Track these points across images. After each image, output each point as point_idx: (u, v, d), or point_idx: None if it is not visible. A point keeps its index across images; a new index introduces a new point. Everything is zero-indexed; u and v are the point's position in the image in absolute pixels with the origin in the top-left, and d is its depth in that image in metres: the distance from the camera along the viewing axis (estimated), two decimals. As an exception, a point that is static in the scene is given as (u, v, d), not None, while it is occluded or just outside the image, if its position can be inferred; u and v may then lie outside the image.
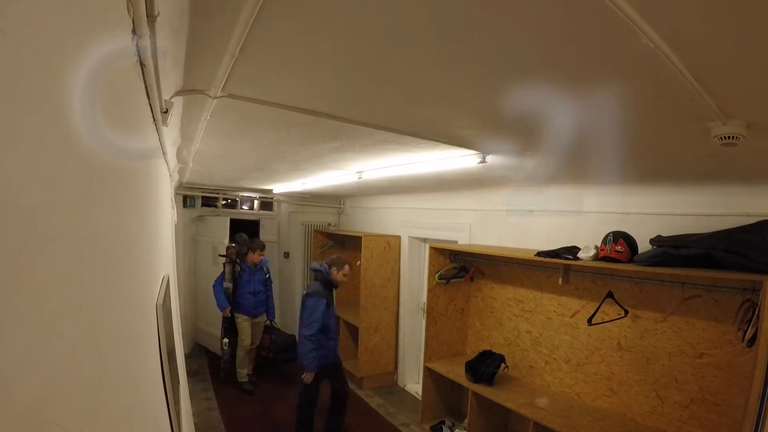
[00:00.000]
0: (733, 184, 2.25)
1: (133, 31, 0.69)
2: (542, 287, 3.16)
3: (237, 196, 5.68)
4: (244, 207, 5.88)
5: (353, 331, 4.94)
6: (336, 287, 3.47)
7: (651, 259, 2.23)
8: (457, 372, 3.34)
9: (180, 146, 2.27)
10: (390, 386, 4.76)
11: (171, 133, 1.74)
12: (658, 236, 2.35)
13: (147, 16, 0.67)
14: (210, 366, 4.96)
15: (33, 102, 0.33)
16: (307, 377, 3.20)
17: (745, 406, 1.71)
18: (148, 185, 1.27)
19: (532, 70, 1.00)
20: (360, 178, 3.12)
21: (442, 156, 2.21)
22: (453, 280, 3.64)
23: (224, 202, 5.67)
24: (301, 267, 6.06)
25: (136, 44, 0.73)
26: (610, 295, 2.57)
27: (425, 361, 3.65)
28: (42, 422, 0.35)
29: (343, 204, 6.28)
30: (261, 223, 5.87)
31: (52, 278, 0.38)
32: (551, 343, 3.10)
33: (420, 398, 3.90)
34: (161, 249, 1.85)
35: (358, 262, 4.64)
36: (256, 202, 5.90)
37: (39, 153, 0.35)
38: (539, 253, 2.80)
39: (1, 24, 0.27)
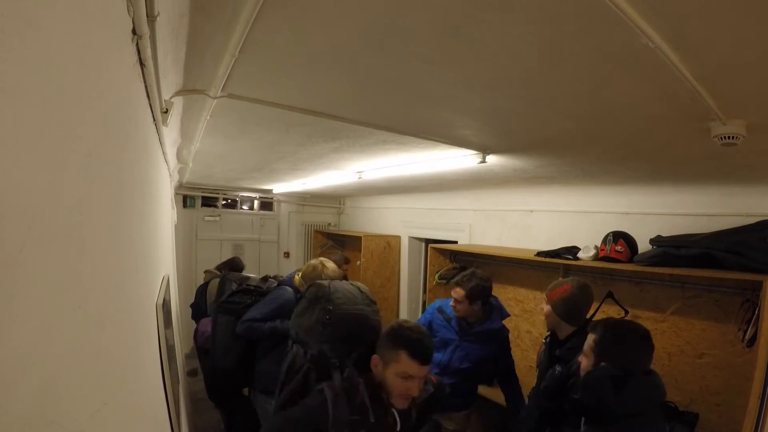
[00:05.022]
0: (733, 184, 2.25)
1: (133, 31, 0.69)
2: (542, 287, 3.15)
3: (237, 196, 5.67)
4: (244, 207, 5.88)
5: (353, 331, 4.94)
6: None
7: (651, 259, 2.23)
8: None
9: (180, 146, 2.27)
10: (390, 386, 4.76)
11: (171, 133, 1.74)
12: (658, 236, 2.35)
13: (147, 16, 0.67)
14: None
15: (33, 102, 0.33)
16: None
17: (745, 406, 1.71)
18: (148, 185, 1.27)
19: (532, 70, 1.00)
20: (360, 178, 3.12)
21: (442, 156, 2.21)
22: (453, 281, 3.63)
23: (224, 202, 5.67)
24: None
25: (136, 44, 0.73)
26: (610, 295, 2.56)
27: (425, 361, 3.65)
28: (44, 422, 0.35)
29: (343, 204, 6.28)
30: (261, 222, 5.87)
31: (51, 278, 0.38)
32: (551, 343, 3.09)
33: (420, 398, 3.88)
34: (161, 249, 1.85)
35: (358, 262, 4.64)
36: (256, 202, 5.90)
37: (39, 153, 0.35)
38: (539, 253, 2.80)
39: (1, 24, 0.27)
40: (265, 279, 2.52)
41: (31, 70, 0.33)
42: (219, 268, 4.32)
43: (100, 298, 0.56)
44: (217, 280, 2.73)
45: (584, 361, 1.47)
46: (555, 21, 0.76)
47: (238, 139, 2.11)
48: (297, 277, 2.43)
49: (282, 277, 2.61)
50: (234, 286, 2.42)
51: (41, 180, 0.35)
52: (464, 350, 2.44)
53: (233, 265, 4.27)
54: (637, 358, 1.38)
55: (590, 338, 1.46)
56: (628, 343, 1.39)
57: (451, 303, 2.42)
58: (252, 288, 2.42)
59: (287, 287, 2.41)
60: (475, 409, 3.07)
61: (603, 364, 1.38)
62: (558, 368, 1.90)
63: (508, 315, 2.60)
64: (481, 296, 2.38)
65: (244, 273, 2.58)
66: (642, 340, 1.40)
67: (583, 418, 1.43)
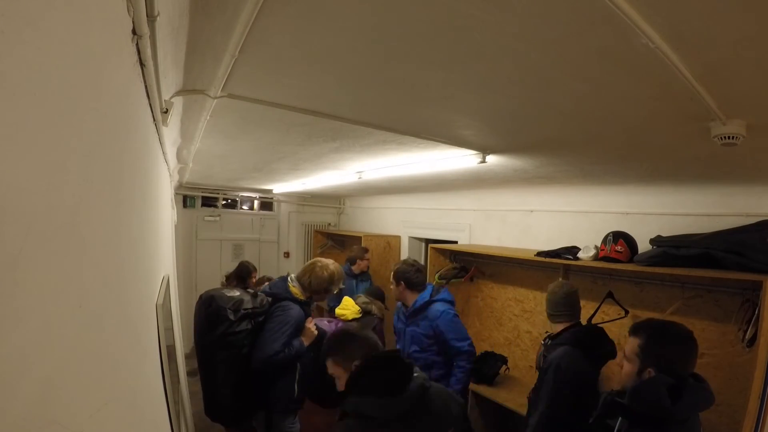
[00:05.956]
0: (733, 184, 2.25)
1: (133, 31, 0.69)
2: (542, 287, 3.15)
3: (237, 196, 5.68)
4: (244, 207, 5.88)
5: (353, 331, 4.94)
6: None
7: (651, 259, 2.23)
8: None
9: (180, 146, 2.27)
10: (390, 386, 4.75)
11: (171, 133, 1.74)
12: (658, 236, 2.35)
13: (147, 16, 0.67)
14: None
15: (33, 102, 0.33)
16: None
17: (745, 406, 1.71)
18: (148, 185, 1.27)
19: (532, 70, 1.00)
20: (360, 178, 3.12)
21: (442, 156, 2.21)
22: (453, 281, 3.63)
23: (224, 202, 5.67)
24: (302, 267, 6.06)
25: (136, 44, 0.73)
26: (610, 295, 2.57)
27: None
28: (44, 421, 0.35)
29: (343, 204, 6.28)
30: (261, 222, 5.88)
31: (52, 278, 0.38)
32: (551, 343, 3.09)
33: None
34: (161, 249, 1.85)
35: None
36: (256, 202, 5.91)
37: (39, 153, 0.35)
38: (539, 253, 2.80)
39: (1, 24, 0.27)
40: (255, 295, 2.26)
41: (31, 70, 0.33)
42: (227, 277, 3.87)
43: (100, 298, 0.56)
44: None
45: (627, 366, 1.40)
46: (555, 21, 0.76)
47: (238, 139, 2.11)
48: (293, 287, 2.28)
49: (267, 289, 2.35)
50: (232, 315, 2.11)
51: (41, 180, 0.35)
52: (408, 334, 2.74)
53: (242, 273, 3.78)
54: (685, 360, 1.34)
55: (633, 342, 1.39)
56: (675, 345, 1.35)
57: None
58: (249, 311, 2.17)
59: (290, 303, 2.23)
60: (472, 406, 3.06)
61: (650, 369, 1.33)
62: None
63: (449, 297, 2.75)
64: (401, 278, 2.67)
65: (226, 291, 2.25)
66: (688, 341, 1.36)
67: (620, 419, 1.39)
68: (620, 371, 1.47)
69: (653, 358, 1.34)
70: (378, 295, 3.34)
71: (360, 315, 2.93)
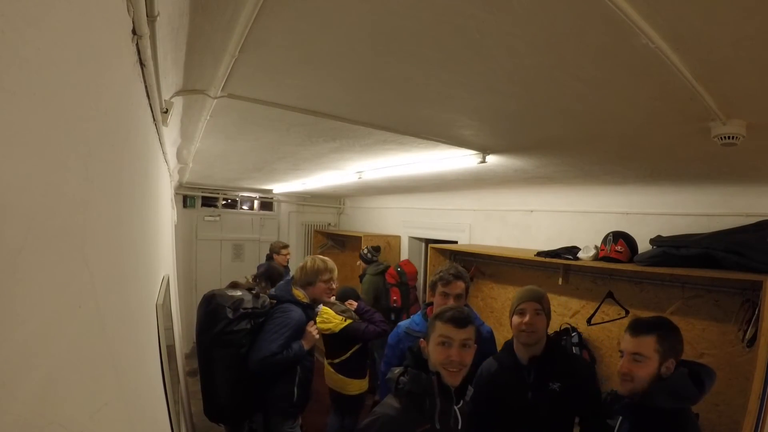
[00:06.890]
0: (733, 184, 2.25)
1: (133, 31, 0.69)
2: (542, 287, 3.14)
3: (237, 196, 5.68)
4: (244, 207, 5.88)
5: (353, 331, 4.93)
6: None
7: (651, 259, 2.23)
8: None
9: (180, 146, 2.27)
10: (390, 386, 4.75)
11: (171, 133, 1.74)
12: (658, 236, 2.35)
13: (147, 16, 0.67)
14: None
15: (33, 102, 0.33)
16: None
17: (745, 406, 1.71)
18: (148, 185, 1.27)
19: (532, 70, 1.00)
20: (360, 178, 3.12)
21: (442, 156, 2.21)
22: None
23: (224, 202, 5.67)
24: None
25: (136, 44, 0.73)
26: (610, 295, 2.57)
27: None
28: (44, 422, 0.35)
29: (343, 204, 6.28)
30: (261, 222, 5.88)
31: (51, 278, 0.38)
32: (551, 343, 3.09)
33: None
34: (161, 249, 1.86)
35: (358, 262, 4.64)
36: (256, 202, 5.90)
37: (39, 153, 0.35)
38: (539, 253, 2.80)
39: (1, 24, 0.27)
40: (258, 296, 2.25)
41: (31, 70, 0.33)
42: (255, 278, 3.36)
43: (100, 298, 0.56)
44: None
45: (645, 367, 1.33)
46: (555, 21, 0.76)
47: (238, 139, 2.11)
48: (296, 290, 2.28)
49: (272, 292, 2.37)
50: (230, 313, 2.11)
51: (41, 180, 0.35)
52: None
53: (271, 275, 3.48)
54: (682, 347, 1.38)
55: (647, 340, 1.34)
56: (679, 333, 1.37)
57: (450, 303, 1.92)
58: (249, 311, 2.16)
59: (292, 306, 2.22)
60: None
61: (669, 362, 1.33)
62: (556, 385, 1.64)
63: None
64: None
65: (228, 290, 2.24)
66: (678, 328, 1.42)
67: (620, 419, 1.39)
68: (626, 373, 1.38)
69: (672, 352, 1.34)
70: (346, 297, 3.03)
71: (346, 323, 2.79)
